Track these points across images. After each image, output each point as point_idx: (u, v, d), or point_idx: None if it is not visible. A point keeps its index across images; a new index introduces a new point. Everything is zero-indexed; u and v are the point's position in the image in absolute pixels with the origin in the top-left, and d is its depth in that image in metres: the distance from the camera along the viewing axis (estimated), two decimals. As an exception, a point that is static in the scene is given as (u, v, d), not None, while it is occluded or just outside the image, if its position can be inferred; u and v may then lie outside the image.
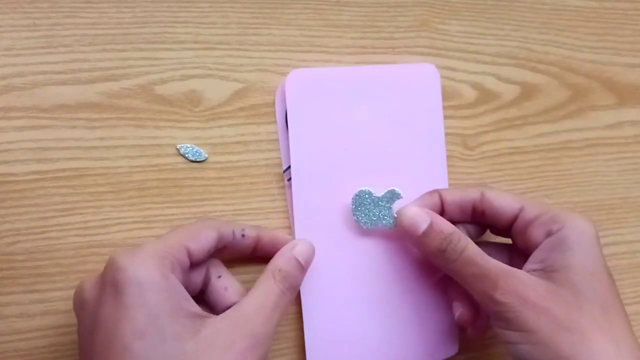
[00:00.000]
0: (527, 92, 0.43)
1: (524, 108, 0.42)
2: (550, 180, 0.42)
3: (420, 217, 0.34)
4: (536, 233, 0.34)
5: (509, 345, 0.32)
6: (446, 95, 0.41)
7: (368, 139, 0.38)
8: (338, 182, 0.37)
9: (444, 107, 0.40)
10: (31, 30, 0.34)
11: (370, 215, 0.36)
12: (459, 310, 0.36)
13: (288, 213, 0.37)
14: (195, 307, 0.30)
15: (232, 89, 0.37)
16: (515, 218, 0.35)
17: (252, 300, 0.31)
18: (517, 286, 0.31)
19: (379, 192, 0.36)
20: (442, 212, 0.36)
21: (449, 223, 0.34)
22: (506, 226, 0.36)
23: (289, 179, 0.37)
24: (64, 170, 0.34)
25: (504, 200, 0.35)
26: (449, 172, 0.40)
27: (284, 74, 0.37)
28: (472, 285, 0.33)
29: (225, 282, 0.33)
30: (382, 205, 0.36)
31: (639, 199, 0.44)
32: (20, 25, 0.34)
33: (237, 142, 0.37)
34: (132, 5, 0.36)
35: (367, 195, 0.36)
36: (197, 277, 0.33)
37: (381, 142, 0.38)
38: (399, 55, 0.40)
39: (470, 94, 0.41)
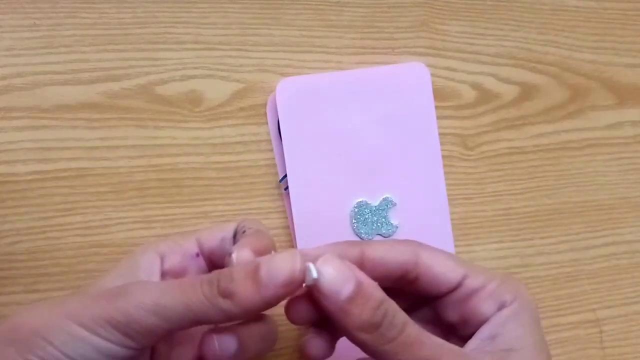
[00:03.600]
0: (527, 92, 0.43)
1: (524, 108, 0.42)
2: (550, 180, 0.42)
3: (343, 275, 0.25)
4: (486, 305, 0.28)
5: None
6: (446, 95, 0.41)
7: (362, 143, 0.38)
8: (335, 188, 0.37)
9: (444, 108, 0.40)
10: (32, 31, 0.34)
11: (369, 224, 0.37)
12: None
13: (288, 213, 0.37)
14: None
15: (233, 89, 0.37)
16: (456, 287, 0.28)
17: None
18: None
19: (374, 200, 0.37)
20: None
21: (378, 287, 0.25)
22: (439, 296, 0.29)
23: (286, 188, 0.37)
24: (64, 170, 0.34)
25: (445, 265, 0.28)
26: (449, 173, 0.40)
27: (284, 74, 0.38)
28: None
29: None
30: (379, 214, 0.37)
31: (639, 199, 0.44)
32: (21, 25, 0.34)
33: (237, 142, 0.37)
34: (133, 6, 0.36)
35: (364, 207, 0.37)
36: None
37: (375, 144, 0.38)
38: (399, 56, 0.40)
39: (469, 94, 0.41)
